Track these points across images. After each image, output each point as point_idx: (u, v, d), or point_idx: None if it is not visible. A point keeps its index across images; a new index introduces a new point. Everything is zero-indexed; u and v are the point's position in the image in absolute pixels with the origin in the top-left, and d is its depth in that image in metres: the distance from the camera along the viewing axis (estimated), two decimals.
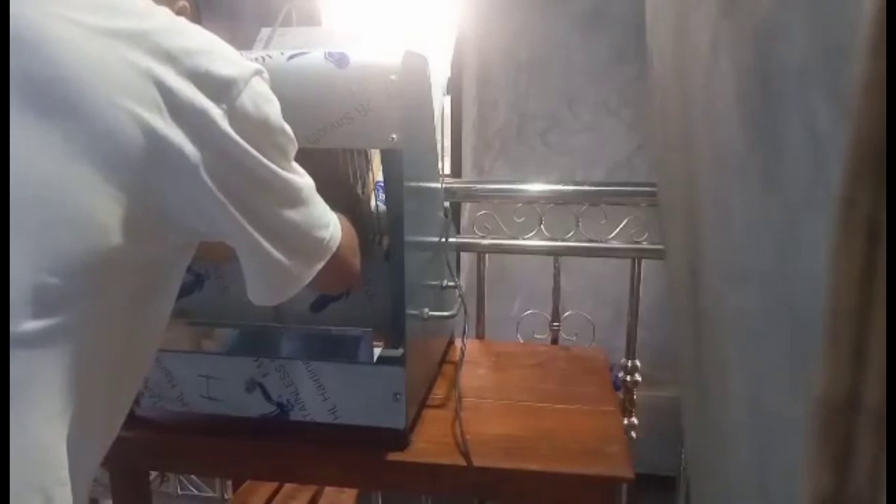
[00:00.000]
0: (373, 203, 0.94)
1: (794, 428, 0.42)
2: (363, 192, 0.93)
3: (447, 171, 2.25)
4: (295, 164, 0.62)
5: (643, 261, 1.34)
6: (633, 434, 1.38)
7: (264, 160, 0.56)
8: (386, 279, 0.87)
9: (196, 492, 1.74)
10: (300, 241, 0.63)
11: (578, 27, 2.33)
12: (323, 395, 0.86)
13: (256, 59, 0.77)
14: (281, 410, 0.87)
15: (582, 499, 0.86)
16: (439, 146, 1.04)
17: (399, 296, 0.83)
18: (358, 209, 0.93)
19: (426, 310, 0.92)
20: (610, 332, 1.56)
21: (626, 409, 1.38)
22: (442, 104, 1.07)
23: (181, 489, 1.73)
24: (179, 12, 0.65)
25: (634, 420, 1.39)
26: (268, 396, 0.87)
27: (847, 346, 0.21)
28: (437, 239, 1.06)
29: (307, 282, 0.65)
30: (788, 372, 0.44)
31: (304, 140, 0.77)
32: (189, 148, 0.51)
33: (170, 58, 0.50)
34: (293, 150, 0.61)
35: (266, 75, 0.58)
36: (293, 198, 0.61)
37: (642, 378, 1.39)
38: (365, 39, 1.14)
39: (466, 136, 2.42)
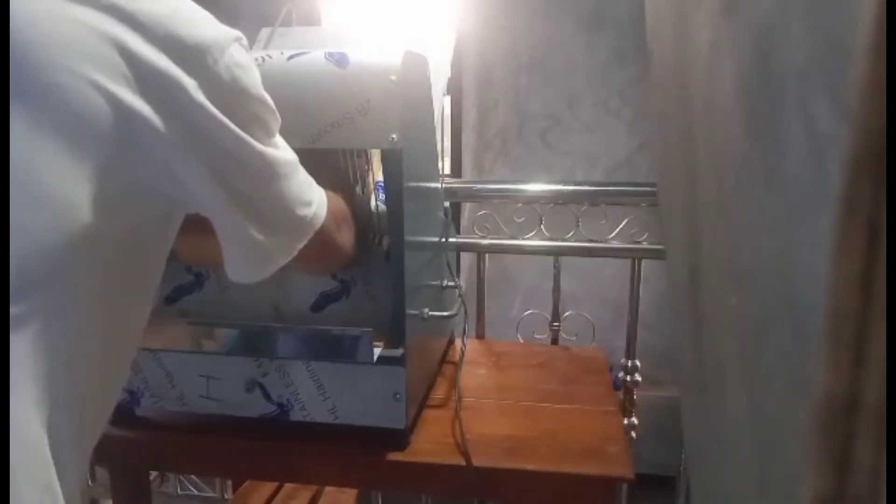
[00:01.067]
0: (373, 203, 0.94)
1: (794, 428, 0.42)
2: (363, 192, 0.93)
3: (447, 171, 2.25)
4: (278, 138, 0.59)
5: (643, 261, 1.34)
6: (633, 434, 1.38)
7: (241, 133, 0.54)
8: (386, 279, 0.87)
9: (196, 492, 1.74)
10: (280, 218, 0.61)
11: (578, 28, 2.33)
12: (323, 395, 0.86)
13: (256, 60, 0.77)
14: (281, 410, 0.87)
15: (582, 499, 0.86)
16: (439, 146, 1.04)
17: (399, 296, 0.83)
18: (358, 209, 0.93)
19: (426, 310, 0.92)
20: (610, 332, 1.56)
21: (626, 409, 1.38)
22: (442, 104, 1.07)
23: (181, 489, 1.73)
24: None
25: (634, 420, 1.39)
26: (268, 396, 0.87)
27: (847, 346, 0.21)
28: (437, 239, 1.06)
29: (286, 260, 0.62)
30: (788, 372, 0.44)
31: (304, 140, 0.78)
32: (159, 121, 0.49)
33: (138, 24, 0.48)
34: (275, 122, 0.59)
35: (245, 42, 0.55)
36: (273, 173, 0.58)
37: (642, 378, 1.39)
38: (365, 39, 1.14)
39: (466, 136, 2.42)
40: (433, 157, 1.01)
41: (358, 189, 0.93)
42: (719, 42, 0.56)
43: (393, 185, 0.82)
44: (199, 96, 0.50)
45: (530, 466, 0.85)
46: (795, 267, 0.42)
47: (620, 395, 1.36)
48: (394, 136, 0.76)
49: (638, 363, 1.38)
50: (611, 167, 2.39)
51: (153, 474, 1.54)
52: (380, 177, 0.91)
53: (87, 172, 0.48)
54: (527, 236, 1.37)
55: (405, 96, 0.77)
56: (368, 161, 0.92)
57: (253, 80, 0.55)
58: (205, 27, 0.52)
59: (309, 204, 0.63)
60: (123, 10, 0.48)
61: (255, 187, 0.57)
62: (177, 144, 0.51)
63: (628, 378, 1.38)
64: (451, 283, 1.08)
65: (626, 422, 1.34)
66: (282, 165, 0.59)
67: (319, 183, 0.67)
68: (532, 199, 1.37)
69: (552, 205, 1.36)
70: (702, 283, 0.69)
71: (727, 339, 0.60)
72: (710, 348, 0.67)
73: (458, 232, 1.43)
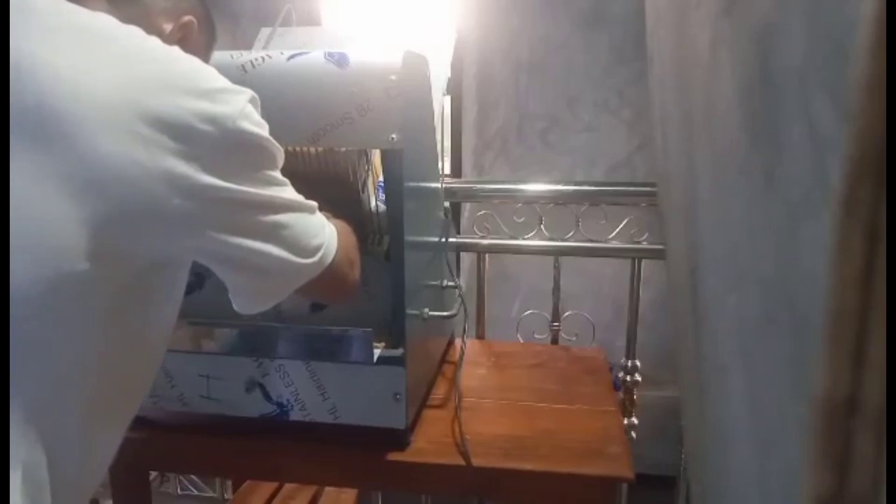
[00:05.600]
0: (373, 203, 0.94)
1: (794, 428, 0.42)
2: (363, 192, 0.93)
3: (447, 171, 2.25)
4: (281, 178, 0.61)
5: (643, 261, 1.34)
6: (633, 434, 1.38)
7: (249, 189, 0.56)
8: (386, 279, 0.87)
9: (196, 492, 1.74)
10: (284, 257, 0.61)
11: (578, 27, 2.33)
12: (323, 395, 0.86)
13: (256, 60, 0.77)
14: (281, 410, 0.87)
15: (582, 499, 0.86)
16: (439, 146, 1.04)
17: (399, 296, 0.83)
18: (358, 209, 0.93)
19: (426, 310, 0.92)
20: (610, 332, 1.56)
21: (626, 409, 1.38)
22: (442, 104, 1.07)
23: (181, 489, 1.73)
24: (184, 28, 0.65)
25: (634, 420, 1.39)
26: (268, 396, 0.87)
27: (847, 347, 0.21)
28: (437, 239, 1.06)
29: (286, 295, 0.64)
30: (788, 372, 0.44)
31: (304, 140, 0.78)
32: (169, 190, 0.51)
33: (163, 89, 0.50)
34: (280, 160, 0.60)
35: (257, 100, 0.57)
36: (278, 217, 0.60)
37: (642, 378, 1.39)
38: (365, 39, 1.14)
39: (466, 136, 2.41)
40: (433, 157, 1.01)
41: (358, 189, 0.93)
42: (719, 42, 0.56)
43: (393, 185, 0.82)
44: (217, 181, 0.52)
45: (530, 466, 0.85)
46: (795, 267, 0.42)
47: (620, 395, 1.36)
48: (394, 136, 0.76)
49: (638, 363, 1.38)
50: (611, 167, 2.39)
51: (153, 474, 1.54)
52: (380, 177, 0.91)
53: (83, 224, 0.48)
54: (527, 236, 1.37)
55: (405, 96, 0.77)
56: (368, 161, 0.92)
57: (263, 135, 0.56)
58: (221, 93, 0.53)
59: (317, 244, 0.64)
60: (149, 75, 0.50)
61: (260, 231, 0.58)
62: (207, 227, 0.54)
63: (628, 378, 1.38)
64: (451, 283, 1.08)
65: (626, 422, 1.34)
66: (285, 207, 0.60)
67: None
68: (532, 199, 1.37)
69: (552, 205, 1.36)
70: (702, 283, 0.69)
71: (727, 339, 0.60)
72: (710, 348, 0.67)
73: (458, 232, 1.43)
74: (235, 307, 0.64)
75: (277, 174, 0.59)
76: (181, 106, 0.50)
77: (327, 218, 0.68)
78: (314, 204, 0.64)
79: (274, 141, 0.58)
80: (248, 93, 0.55)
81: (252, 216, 0.57)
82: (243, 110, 0.54)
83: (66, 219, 0.47)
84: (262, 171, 0.57)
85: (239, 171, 0.54)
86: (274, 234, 0.59)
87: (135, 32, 0.53)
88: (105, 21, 0.53)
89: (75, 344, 0.52)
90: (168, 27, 0.64)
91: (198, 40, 0.67)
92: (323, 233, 0.65)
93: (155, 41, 0.54)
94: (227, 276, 0.61)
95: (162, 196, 0.50)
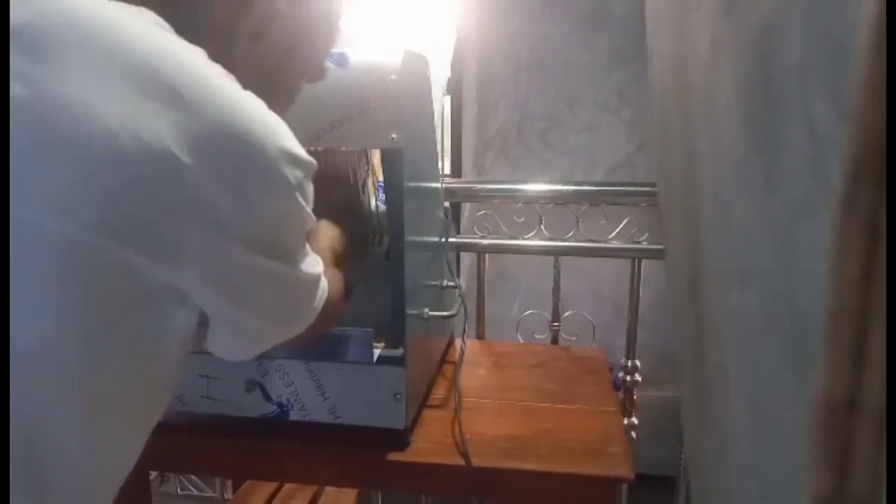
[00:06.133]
0: (373, 203, 0.94)
1: (794, 428, 0.42)
2: (363, 193, 0.93)
3: (447, 171, 2.25)
4: (307, 250, 0.58)
5: (643, 261, 1.34)
6: (633, 434, 1.38)
7: (277, 266, 0.54)
8: (386, 279, 0.87)
9: (196, 492, 1.74)
10: (279, 318, 0.60)
11: (578, 27, 2.33)
12: (323, 395, 0.86)
13: None
14: (281, 410, 0.87)
15: (582, 499, 0.86)
16: (439, 146, 1.04)
17: (399, 296, 0.83)
18: (358, 209, 0.93)
19: (426, 310, 0.92)
20: (610, 332, 1.55)
21: (626, 409, 1.38)
22: (442, 104, 1.07)
23: (181, 489, 1.73)
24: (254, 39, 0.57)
25: (634, 420, 1.39)
26: (268, 396, 0.87)
27: (847, 346, 0.21)
28: (437, 239, 1.06)
29: (271, 346, 0.62)
30: (789, 372, 0.44)
31: (304, 140, 0.77)
32: (196, 275, 0.51)
33: (202, 147, 0.47)
34: (308, 229, 0.57)
35: (307, 182, 0.53)
36: (291, 289, 0.58)
37: (642, 378, 1.39)
38: (365, 39, 1.13)
39: (466, 136, 2.41)
40: (433, 157, 1.01)
41: (358, 189, 0.93)
42: (719, 42, 0.56)
43: (393, 185, 0.82)
44: (237, 239, 0.50)
45: (530, 466, 0.85)
46: (795, 267, 0.42)
47: (620, 395, 1.36)
48: (394, 135, 0.76)
49: (638, 363, 1.38)
50: (611, 167, 2.39)
51: (153, 474, 1.54)
52: (380, 177, 0.91)
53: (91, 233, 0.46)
54: (527, 236, 1.37)
55: (405, 96, 0.77)
56: (368, 161, 0.92)
57: (308, 211, 0.54)
58: (276, 162, 0.49)
59: (308, 310, 0.61)
60: (194, 136, 0.46)
61: (262, 303, 0.57)
62: (195, 268, 0.51)
63: (628, 378, 1.38)
64: (451, 283, 1.08)
65: (626, 422, 1.34)
66: (295, 285, 0.58)
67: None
68: (532, 199, 1.37)
69: (552, 205, 1.36)
70: (702, 283, 0.69)
71: (727, 339, 0.60)
72: (710, 348, 0.67)
73: (458, 232, 1.43)
74: (209, 345, 0.62)
75: (304, 248, 0.57)
76: None
77: (324, 256, 0.65)
78: (320, 274, 0.61)
79: (312, 216, 0.55)
80: (312, 164, 0.53)
81: (258, 288, 0.55)
82: (301, 183, 0.51)
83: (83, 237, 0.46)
84: (290, 246, 0.55)
85: (267, 242, 0.52)
86: (273, 309, 0.58)
87: (205, 75, 0.49)
88: (172, 60, 0.48)
89: (76, 349, 0.51)
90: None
91: (295, 15, 0.59)
92: (316, 297, 0.61)
93: (227, 83, 0.49)
94: (212, 321, 0.59)
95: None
